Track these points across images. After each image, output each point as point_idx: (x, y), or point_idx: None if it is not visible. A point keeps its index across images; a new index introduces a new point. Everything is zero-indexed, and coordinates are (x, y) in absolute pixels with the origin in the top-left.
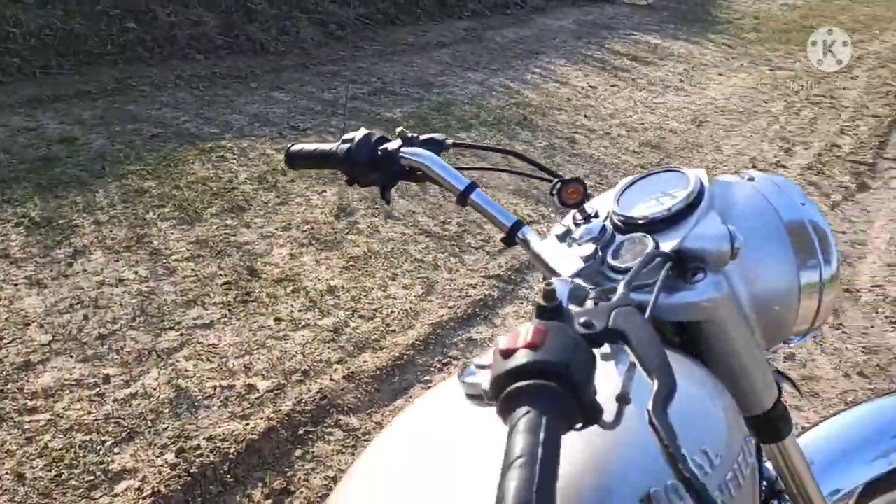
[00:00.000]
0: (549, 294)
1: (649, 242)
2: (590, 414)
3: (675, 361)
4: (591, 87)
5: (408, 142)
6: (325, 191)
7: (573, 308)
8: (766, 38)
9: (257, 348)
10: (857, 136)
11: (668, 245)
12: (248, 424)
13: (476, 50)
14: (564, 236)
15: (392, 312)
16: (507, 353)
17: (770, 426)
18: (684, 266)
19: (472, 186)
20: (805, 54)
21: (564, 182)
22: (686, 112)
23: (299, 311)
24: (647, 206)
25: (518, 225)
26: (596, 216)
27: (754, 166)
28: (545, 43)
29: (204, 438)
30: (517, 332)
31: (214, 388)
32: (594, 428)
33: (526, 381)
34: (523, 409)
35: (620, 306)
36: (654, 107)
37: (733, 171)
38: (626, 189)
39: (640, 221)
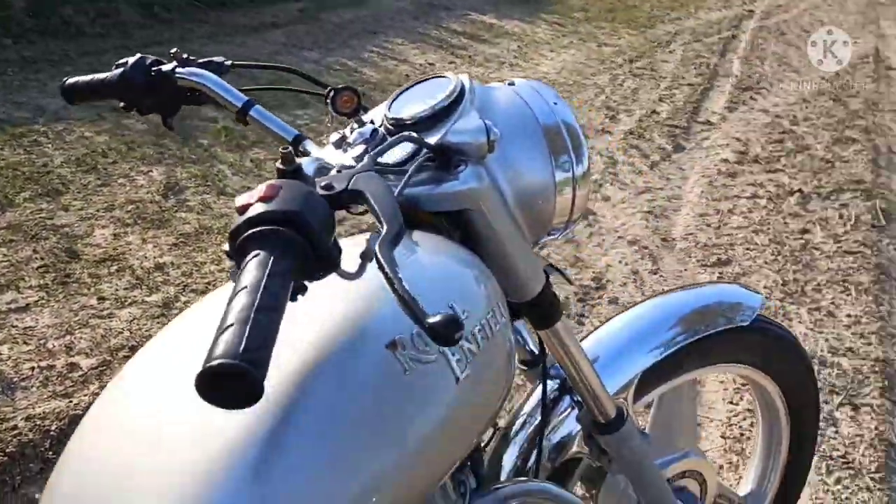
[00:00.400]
0: (286, 157)
1: (414, 138)
2: (326, 262)
3: (437, 242)
4: (429, 63)
5: (184, 63)
6: (150, 171)
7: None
8: (593, 17)
9: (79, 328)
10: (674, 104)
11: (431, 140)
12: (71, 401)
13: (312, 30)
14: (340, 142)
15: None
16: (243, 209)
17: (540, 312)
18: (448, 160)
19: (250, 103)
20: (629, 31)
21: (337, 91)
22: None
23: (125, 289)
24: (414, 108)
25: (300, 138)
26: (372, 123)
27: (584, 135)
28: (382, 22)
29: (22, 419)
30: (253, 190)
31: (32, 369)
32: (342, 282)
33: (257, 228)
34: (254, 253)
35: (361, 172)
36: (490, 81)
37: None
38: (398, 96)
39: (408, 122)
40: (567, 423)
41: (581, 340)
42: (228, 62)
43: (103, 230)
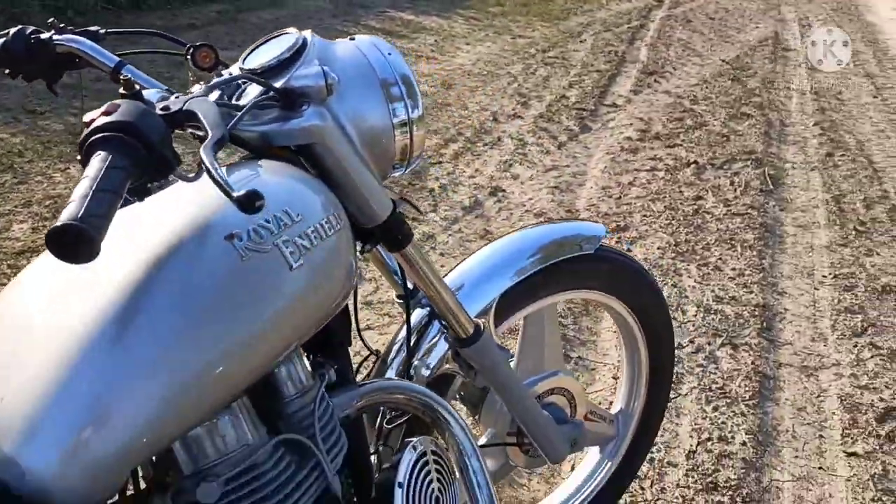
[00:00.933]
0: (127, 83)
1: (260, 81)
2: (162, 166)
3: (284, 167)
4: None
5: (61, 31)
6: (68, 168)
7: None
8: (508, 12)
9: None
10: (583, 89)
11: (277, 84)
12: None
13: (231, 31)
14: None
15: None
16: (90, 123)
17: (392, 236)
18: (293, 101)
19: (122, 64)
20: (543, 24)
21: (196, 47)
22: (436, 77)
23: None
24: (263, 58)
25: (169, 91)
26: (229, 74)
27: (496, 119)
28: (303, 22)
29: None
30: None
31: None
32: (188, 189)
33: (98, 135)
34: (96, 153)
35: (196, 97)
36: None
37: (478, 126)
38: (251, 52)
39: (259, 71)
40: (439, 345)
41: (447, 274)
42: (103, 30)
43: (21, 224)
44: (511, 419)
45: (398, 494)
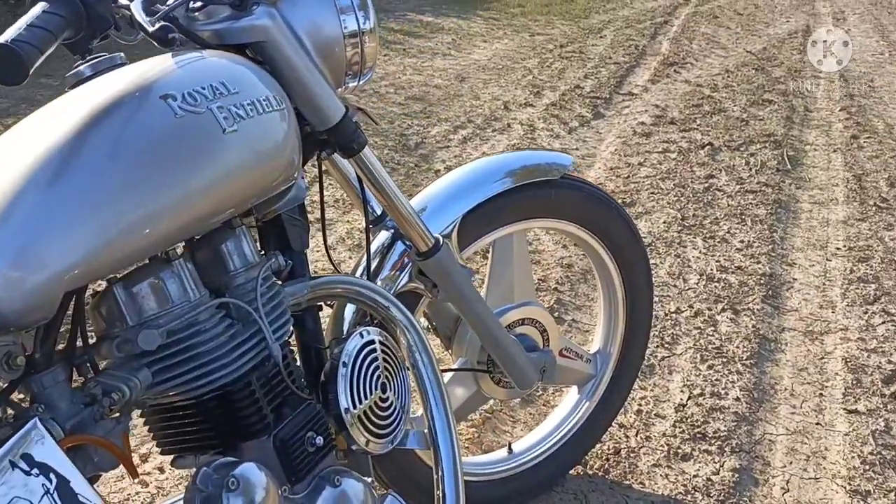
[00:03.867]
0: None
1: None
2: (98, 22)
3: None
4: None
5: None
6: None
7: None
8: (529, 12)
9: None
10: (598, 79)
11: None
12: None
13: None
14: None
15: None
16: None
17: (345, 140)
18: (245, 2)
19: None
20: (563, 22)
21: None
22: (451, 72)
23: None
24: None
25: None
26: None
27: (506, 108)
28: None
29: None
30: None
31: None
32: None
33: None
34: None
35: None
36: (422, 69)
37: (488, 114)
38: None
39: None
40: (404, 264)
41: (412, 197)
42: None
43: None
44: (482, 348)
45: (341, 372)
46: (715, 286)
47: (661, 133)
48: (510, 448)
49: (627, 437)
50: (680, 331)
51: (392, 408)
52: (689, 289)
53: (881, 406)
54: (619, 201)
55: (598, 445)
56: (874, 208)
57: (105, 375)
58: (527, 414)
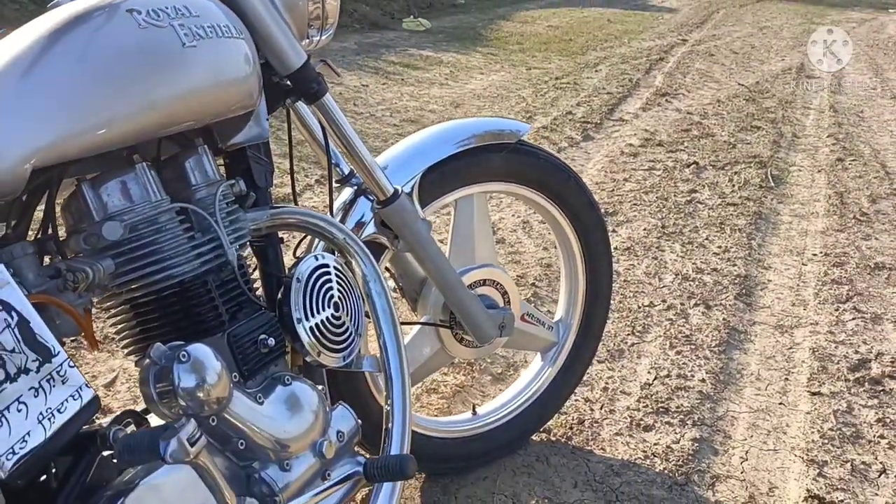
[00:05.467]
0: None
1: None
2: None
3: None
4: (363, 85)
5: None
6: None
7: None
8: (527, 48)
9: None
10: (591, 107)
11: None
12: None
13: None
14: None
15: None
16: None
17: (306, 86)
18: None
19: None
20: (560, 58)
21: None
22: (446, 99)
23: None
24: None
25: None
26: None
27: None
28: (326, 56)
29: None
30: None
31: None
32: None
33: None
34: None
35: None
36: (419, 97)
37: None
38: None
39: None
40: (366, 217)
41: (378, 154)
42: None
43: None
44: (444, 307)
45: (294, 287)
46: (689, 285)
47: (647, 153)
48: (474, 410)
49: (592, 409)
50: (651, 321)
51: (344, 326)
52: (663, 286)
53: (845, 390)
54: (601, 211)
55: (561, 417)
56: (853, 220)
57: (72, 261)
58: (497, 390)
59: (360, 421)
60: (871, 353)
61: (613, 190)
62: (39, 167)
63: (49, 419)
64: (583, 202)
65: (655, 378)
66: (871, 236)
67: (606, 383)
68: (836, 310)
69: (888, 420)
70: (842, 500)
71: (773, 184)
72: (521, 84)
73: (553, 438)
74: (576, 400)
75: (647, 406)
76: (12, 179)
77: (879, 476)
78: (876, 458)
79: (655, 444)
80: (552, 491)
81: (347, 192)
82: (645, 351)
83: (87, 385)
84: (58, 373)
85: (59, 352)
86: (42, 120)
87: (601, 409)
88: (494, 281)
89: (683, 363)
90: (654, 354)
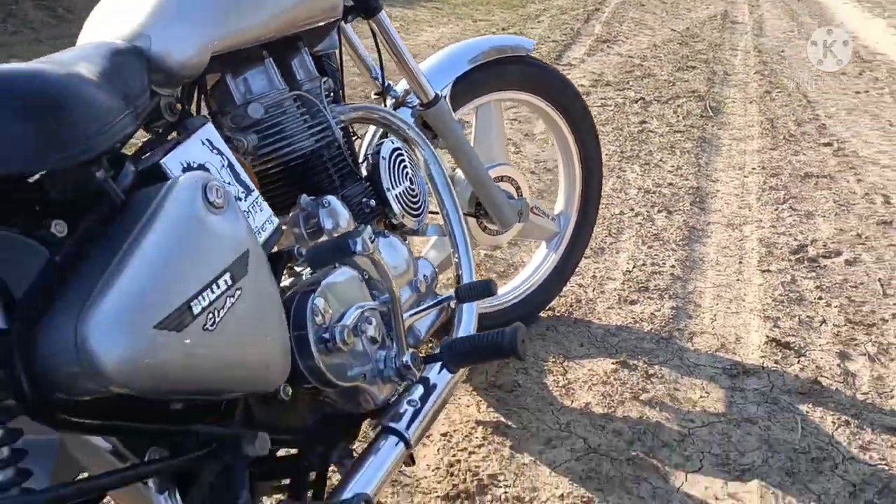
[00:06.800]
0: None
1: None
2: None
3: None
4: None
5: None
6: None
7: None
8: (470, 2)
9: None
10: (539, 53)
11: None
12: None
13: None
14: None
15: None
16: None
17: (366, 2)
18: None
19: None
20: (502, 10)
21: None
22: None
23: None
24: None
25: None
26: None
27: None
28: None
29: None
30: None
31: None
32: None
33: None
34: None
35: None
36: (371, 49)
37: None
38: None
39: None
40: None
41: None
42: None
43: None
44: (470, 197)
45: (381, 164)
46: (651, 196)
47: (598, 92)
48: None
49: (586, 292)
50: (624, 225)
51: (418, 196)
52: (629, 199)
53: (788, 267)
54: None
55: (561, 298)
56: (784, 140)
57: (231, 132)
58: (502, 284)
59: (437, 269)
60: (807, 240)
61: None
62: (216, 53)
63: (258, 234)
64: (580, 109)
65: (634, 266)
66: (799, 152)
67: (594, 272)
68: (776, 210)
69: (824, 286)
70: (794, 341)
71: (711, 114)
72: (471, 35)
73: (557, 314)
74: (571, 287)
75: (630, 287)
76: (198, 63)
77: (821, 325)
78: (817, 313)
79: (641, 313)
80: (564, 349)
81: (389, 103)
82: (622, 248)
83: (273, 215)
84: (256, 203)
85: (253, 189)
86: (220, 19)
87: (593, 291)
88: (510, 177)
89: (655, 255)
90: (629, 250)
